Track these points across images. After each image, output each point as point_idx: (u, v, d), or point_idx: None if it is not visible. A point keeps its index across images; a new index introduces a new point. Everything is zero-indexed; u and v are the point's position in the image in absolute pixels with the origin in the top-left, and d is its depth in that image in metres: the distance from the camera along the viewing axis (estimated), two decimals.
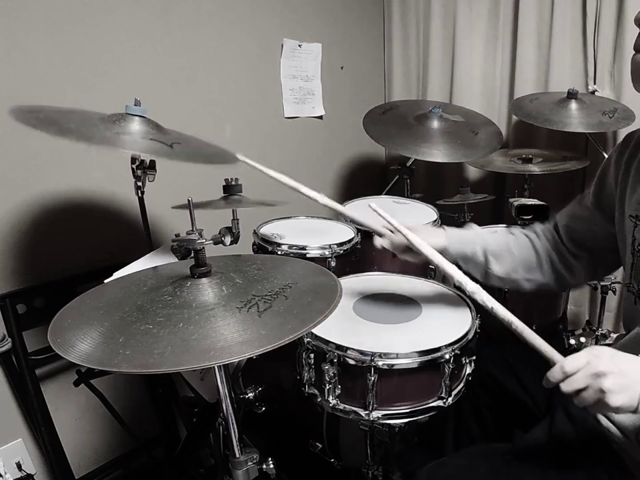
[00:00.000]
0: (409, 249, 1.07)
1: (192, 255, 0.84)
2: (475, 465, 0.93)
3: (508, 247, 1.11)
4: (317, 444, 1.39)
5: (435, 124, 1.86)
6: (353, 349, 1.00)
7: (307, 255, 1.43)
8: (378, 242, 1.12)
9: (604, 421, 0.90)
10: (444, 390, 1.04)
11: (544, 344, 0.78)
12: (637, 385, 0.70)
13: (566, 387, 0.72)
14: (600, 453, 0.88)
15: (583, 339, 1.83)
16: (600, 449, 0.88)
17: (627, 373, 0.70)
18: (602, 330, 1.89)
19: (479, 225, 1.74)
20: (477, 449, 0.98)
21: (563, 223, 1.11)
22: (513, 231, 1.16)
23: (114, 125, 0.97)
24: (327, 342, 1.04)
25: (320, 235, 1.56)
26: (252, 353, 0.66)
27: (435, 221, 1.67)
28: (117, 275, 1.06)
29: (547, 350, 0.78)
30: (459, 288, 1.28)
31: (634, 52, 0.88)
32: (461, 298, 1.24)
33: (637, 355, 0.78)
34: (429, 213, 1.77)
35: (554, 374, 0.74)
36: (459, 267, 1.04)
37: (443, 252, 1.06)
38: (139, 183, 1.15)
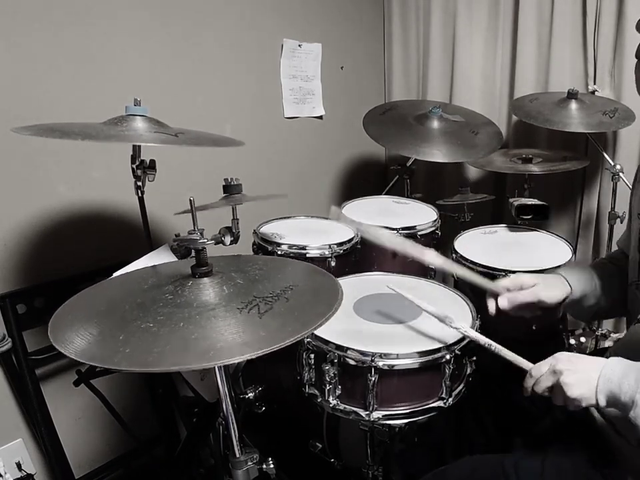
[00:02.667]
0: (527, 306, 1.04)
1: (192, 254, 0.84)
2: (474, 474, 0.93)
3: (613, 280, 1.08)
4: (317, 444, 1.39)
5: (435, 124, 1.86)
6: (353, 349, 1.00)
7: (307, 255, 1.43)
8: (492, 306, 1.06)
9: (605, 424, 0.91)
10: (444, 390, 1.04)
11: (518, 358, 0.92)
12: (593, 380, 0.79)
13: (537, 388, 0.85)
14: (598, 455, 0.88)
15: (582, 339, 1.83)
16: (597, 449, 0.89)
17: (582, 370, 0.81)
18: (602, 330, 1.89)
19: (479, 225, 1.76)
20: (477, 458, 0.98)
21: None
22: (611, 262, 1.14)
23: (116, 126, 0.98)
24: (327, 342, 1.04)
25: (320, 235, 1.56)
26: (251, 355, 0.66)
27: (435, 220, 1.67)
28: (117, 275, 1.06)
29: (522, 362, 0.91)
30: (459, 288, 1.29)
31: (636, 60, 0.88)
32: (462, 298, 1.24)
33: (636, 352, 0.79)
34: (429, 212, 1.77)
35: (526, 380, 0.88)
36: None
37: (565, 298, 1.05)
38: (139, 183, 1.15)
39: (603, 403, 0.78)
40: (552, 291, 1.04)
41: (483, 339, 0.98)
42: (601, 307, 1.08)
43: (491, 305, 1.06)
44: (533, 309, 1.05)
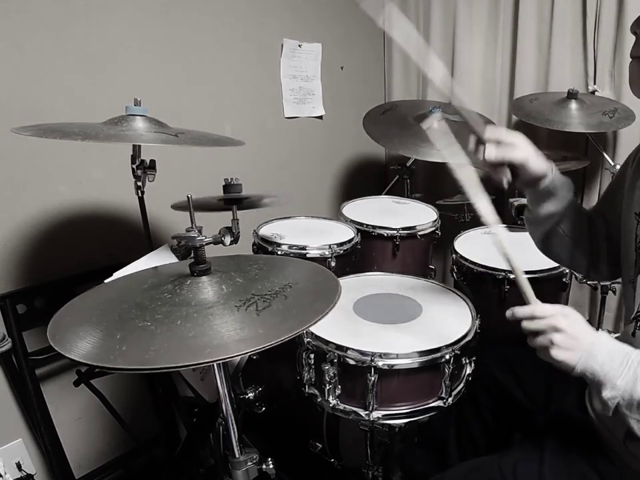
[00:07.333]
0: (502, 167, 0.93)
1: (192, 253, 0.84)
2: (469, 478, 0.93)
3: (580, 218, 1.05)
4: (317, 444, 1.39)
5: (435, 124, 1.86)
6: (353, 349, 1.00)
7: (307, 255, 1.43)
8: (487, 152, 0.93)
9: (596, 421, 0.91)
10: (444, 390, 1.04)
11: (529, 288, 0.85)
12: (582, 350, 0.78)
13: (527, 324, 0.81)
14: (592, 452, 0.88)
15: None
16: (592, 449, 0.89)
17: (578, 337, 0.79)
18: (602, 330, 1.89)
19: (479, 225, 1.76)
20: (471, 463, 0.98)
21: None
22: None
23: (116, 126, 0.98)
24: (327, 342, 1.04)
25: (320, 235, 1.56)
26: (248, 352, 0.66)
27: (435, 220, 1.68)
28: (117, 275, 1.06)
29: (529, 292, 0.84)
30: (459, 288, 1.29)
31: (631, 59, 0.88)
32: (461, 298, 1.24)
33: None
34: (429, 212, 1.77)
35: (524, 309, 0.82)
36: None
37: (544, 177, 0.95)
38: (139, 183, 1.15)
39: (577, 374, 0.78)
40: (539, 161, 0.93)
41: (509, 252, 0.90)
42: (556, 229, 1.02)
43: (477, 150, 0.96)
44: (509, 173, 0.95)
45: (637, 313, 0.90)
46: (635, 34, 0.87)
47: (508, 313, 0.84)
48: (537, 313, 0.81)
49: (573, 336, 0.79)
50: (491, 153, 0.91)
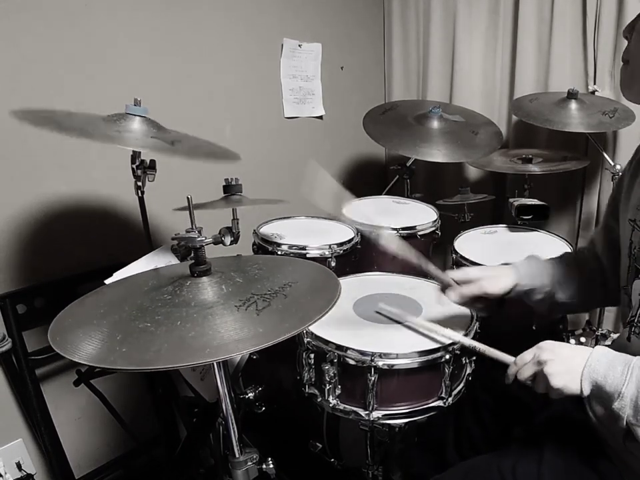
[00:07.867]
0: (478, 297, 1.05)
1: (192, 254, 0.84)
2: (468, 478, 0.93)
3: (572, 276, 1.08)
4: (317, 444, 1.39)
5: (435, 124, 1.86)
6: (353, 349, 1.00)
7: (307, 255, 1.43)
8: (449, 297, 1.06)
9: (595, 420, 0.91)
10: (444, 390, 1.04)
11: (502, 354, 0.95)
12: (577, 370, 0.80)
13: (520, 376, 0.86)
14: (591, 452, 0.88)
15: (583, 339, 1.83)
16: (592, 448, 0.89)
17: (566, 359, 0.82)
18: (602, 330, 1.89)
19: (479, 225, 1.76)
20: (470, 463, 0.98)
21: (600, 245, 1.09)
22: (571, 258, 1.14)
23: (114, 124, 0.98)
24: (327, 342, 1.04)
25: (320, 235, 1.56)
26: (247, 351, 0.66)
27: (435, 220, 1.67)
28: (117, 275, 1.06)
29: (505, 358, 0.94)
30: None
31: (622, 63, 0.92)
32: None
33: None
34: (429, 212, 1.77)
35: (510, 368, 0.89)
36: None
37: (512, 289, 1.05)
38: (139, 183, 1.15)
39: (587, 392, 0.79)
40: (497, 282, 1.04)
41: (468, 341, 1.01)
42: (555, 303, 1.07)
43: (441, 297, 1.08)
44: (483, 301, 1.07)
45: (631, 317, 0.90)
46: (626, 38, 0.91)
47: (507, 381, 0.90)
48: (519, 363, 0.87)
49: (561, 360, 0.82)
50: (451, 296, 1.05)
